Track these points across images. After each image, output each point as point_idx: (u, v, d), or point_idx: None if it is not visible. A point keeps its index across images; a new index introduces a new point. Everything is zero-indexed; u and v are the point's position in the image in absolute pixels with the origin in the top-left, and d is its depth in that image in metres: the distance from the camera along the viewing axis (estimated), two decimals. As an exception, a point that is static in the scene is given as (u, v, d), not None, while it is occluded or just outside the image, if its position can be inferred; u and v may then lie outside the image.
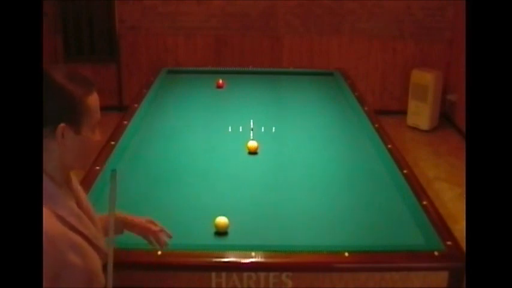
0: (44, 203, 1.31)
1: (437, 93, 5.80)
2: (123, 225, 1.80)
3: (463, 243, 1.66)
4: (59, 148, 1.37)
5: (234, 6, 5.87)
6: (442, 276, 2.00)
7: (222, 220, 2.20)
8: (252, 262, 1.99)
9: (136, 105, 3.65)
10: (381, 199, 2.56)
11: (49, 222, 1.31)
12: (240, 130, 3.34)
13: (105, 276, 1.50)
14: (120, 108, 5.58)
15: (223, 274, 1.98)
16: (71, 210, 1.41)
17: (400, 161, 2.84)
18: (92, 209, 1.58)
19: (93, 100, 1.41)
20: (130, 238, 2.08)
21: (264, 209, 2.44)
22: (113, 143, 2.96)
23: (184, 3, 5.85)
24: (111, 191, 1.54)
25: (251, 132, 3.28)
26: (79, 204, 1.50)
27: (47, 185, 1.36)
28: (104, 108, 1.49)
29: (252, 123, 3.40)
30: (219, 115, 3.65)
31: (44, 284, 1.24)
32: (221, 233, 2.19)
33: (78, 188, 1.55)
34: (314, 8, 5.87)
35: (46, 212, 1.32)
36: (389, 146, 3.02)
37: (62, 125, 1.35)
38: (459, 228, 3.25)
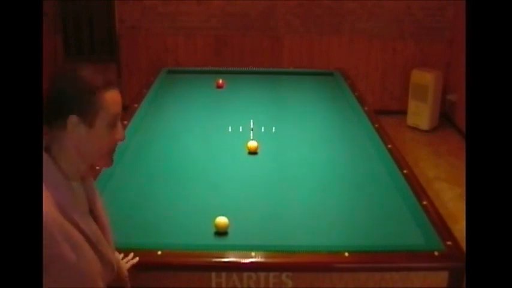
0: (47, 189, 1.30)
1: (437, 93, 5.80)
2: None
3: (463, 243, 1.66)
4: (70, 140, 1.36)
5: (234, 6, 5.86)
6: (442, 276, 1.99)
7: (222, 220, 2.20)
8: (252, 262, 1.99)
9: (136, 105, 3.65)
10: (381, 199, 2.55)
11: (46, 206, 1.27)
12: (240, 130, 3.33)
13: None
14: (120, 108, 5.56)
15: (223, 274, 1.98)
16: (76, 206, 1.38)
17: (400, 161, 2.84)
18: (107, 218, 1.56)
19: (111, 96, 1.40)
20: (130, 238, 2.09)
21: (264, 209, 2.44)
22: (113, 143, 2.96)
23: (184, 3, 5.85)
24: None
25: (251, 132, 3.27)
26: (92, 207, 1.49)
27: (55, 175, 1.34)
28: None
29: (252, 123, 3.39)
30: (219, 115, 3.65)
31: None
32: (221, 233, 2.19)
33: (95, 192, 1.54)
34: (314, 8, 5.87)
35: (46, 196, 1.29)
36: (389, 146, 3.02)
37: (73, 116, 1.34)
38: (459, 228, 3.25)
